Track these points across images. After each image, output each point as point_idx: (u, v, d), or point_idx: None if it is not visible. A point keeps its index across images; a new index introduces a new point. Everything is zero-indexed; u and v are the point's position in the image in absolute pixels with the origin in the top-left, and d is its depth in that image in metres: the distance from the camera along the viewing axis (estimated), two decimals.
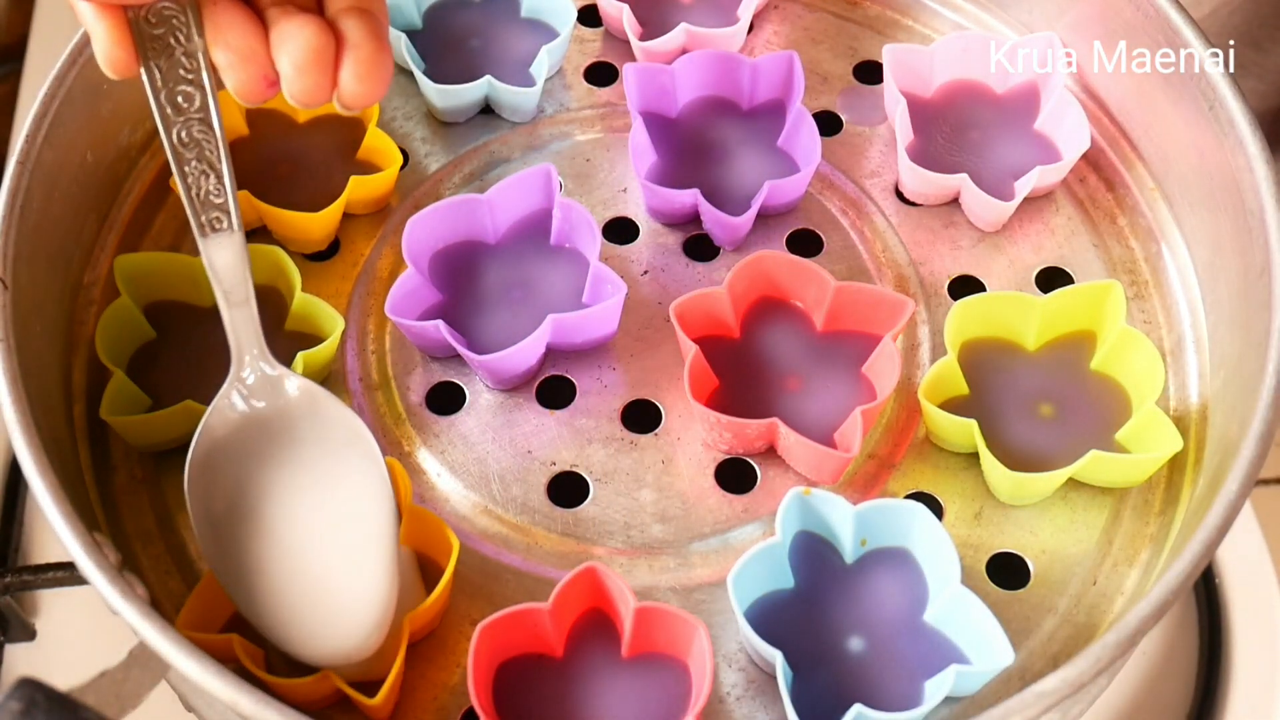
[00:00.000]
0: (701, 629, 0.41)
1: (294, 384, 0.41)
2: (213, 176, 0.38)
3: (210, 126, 0.37)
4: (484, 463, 0.48)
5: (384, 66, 0.37)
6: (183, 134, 0.37)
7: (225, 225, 0.38)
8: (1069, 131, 0.53)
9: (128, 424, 0.46)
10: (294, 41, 0.36)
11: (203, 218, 0.38)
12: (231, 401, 0.41)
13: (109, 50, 0.36)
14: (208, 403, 0.46)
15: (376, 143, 0.53)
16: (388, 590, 0.40)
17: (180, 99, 0.37)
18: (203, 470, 0.40)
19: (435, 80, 0.55)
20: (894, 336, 0.47)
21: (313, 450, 0.41)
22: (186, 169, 0.37)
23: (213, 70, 0.37)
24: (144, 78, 0.37)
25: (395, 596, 0.40)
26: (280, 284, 0.50)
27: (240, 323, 0.40)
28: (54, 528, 0.39)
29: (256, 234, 0.53)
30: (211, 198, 0.38)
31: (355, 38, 0.36)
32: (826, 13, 0.61)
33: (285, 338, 0.49)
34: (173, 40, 0.36)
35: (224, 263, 0.39)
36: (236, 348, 0.41)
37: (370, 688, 0.41)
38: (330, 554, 0.40)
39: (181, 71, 0.36)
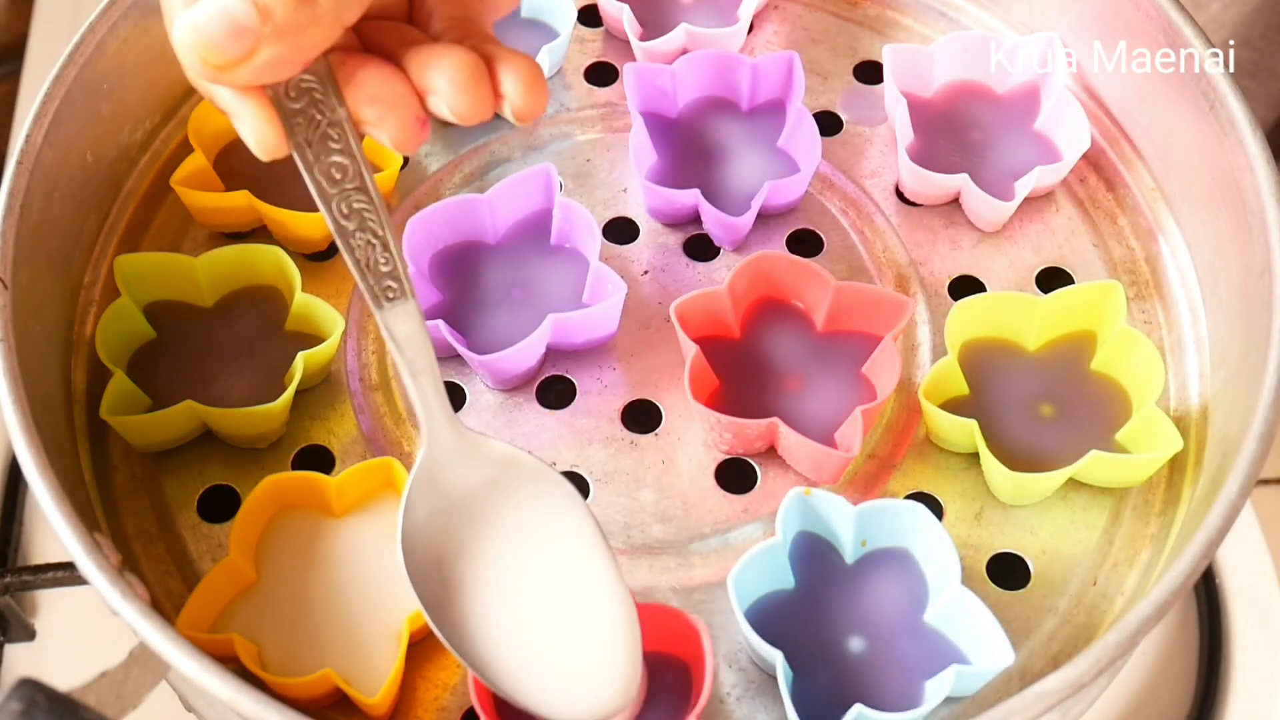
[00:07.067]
0: (702, 629, 0.41)
1: (488, 448, 0.39)
2: (379, 245, 0.36)
3: (368, 194, 0.35)
4: None
5: (542, 75, 0.36)
6: (343, 207, 0.35)
7: (399, 293, 0.36)
8: (1069, 131, 0.53)
9: (128, 424, 0.46)
10: (447, 60, 0.34)
11: (376, 288, 0.36)
12: (429, 476, 0.38)
13: (260, 132, 0.34)
14: (208, 402, 0.46)
15: (377, 143, 0.53)
16: (632, 634, 0.38)
17: (334, 171, 0.35)
18: (413, 553, 0.38)
19: None
20: (894, 336, 0.47)
21: (520, 512, 0.39)
22: (352, 241, 0.36)
23: (359, 136, 0.35)
24: (296, 159, 0.35)
25: (639, 638, 0.38)
26: (280, 284, 0.50)
27: (427, 391, 0.37)
28: (54, 528, 0.39)
29: (256, 234, 0.53)
30: (380, 266, 0.36)
31: (503, 54, 0.35)
32: (826, 13, 0.61)
33: (285, 338, 0.49)
34: (315, 113, 0.35)
35: (404, 332, 0.36)
36: (427, 418, 0.38)
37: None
38: (567, 614, 0.39)
39: (330, 143, 0.35)
